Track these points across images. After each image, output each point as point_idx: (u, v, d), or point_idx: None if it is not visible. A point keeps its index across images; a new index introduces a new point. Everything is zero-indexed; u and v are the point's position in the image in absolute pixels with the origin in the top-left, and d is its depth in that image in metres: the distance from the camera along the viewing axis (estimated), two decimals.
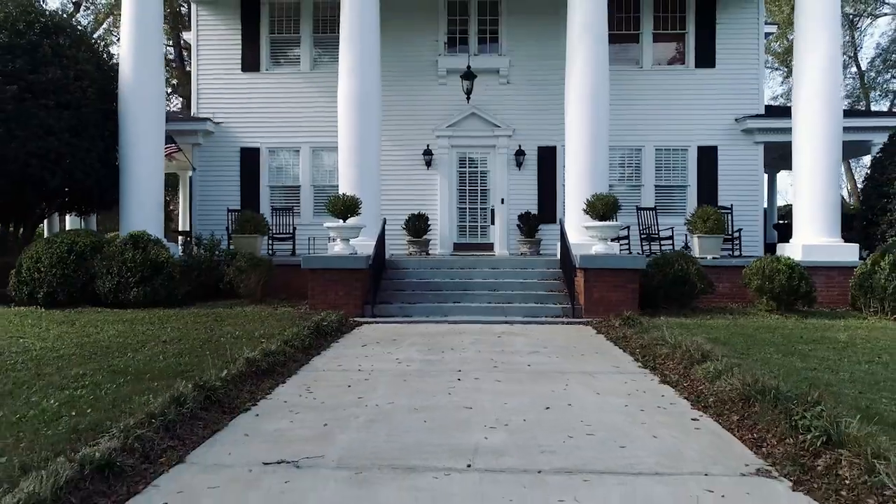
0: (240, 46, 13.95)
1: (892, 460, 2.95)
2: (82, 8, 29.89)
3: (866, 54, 30.25)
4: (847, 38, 28.83)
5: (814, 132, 10.52)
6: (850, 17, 26.63)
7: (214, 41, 14.01)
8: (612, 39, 13.26)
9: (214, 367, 5.08)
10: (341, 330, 7.84)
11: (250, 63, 13.96)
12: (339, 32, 11.05)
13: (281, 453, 3.50)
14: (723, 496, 2.95)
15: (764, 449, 3.58)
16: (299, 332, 6.75)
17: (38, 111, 9.88)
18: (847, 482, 3.00)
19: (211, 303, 9.75)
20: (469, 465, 3.33)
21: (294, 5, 13.97)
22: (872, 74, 29.68)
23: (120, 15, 27.89)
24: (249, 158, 13.85)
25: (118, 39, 28.59)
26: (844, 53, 30.24)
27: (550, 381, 5.27)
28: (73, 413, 4.06)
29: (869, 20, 27.21)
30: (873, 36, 53.76)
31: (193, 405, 4.07)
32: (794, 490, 3.03)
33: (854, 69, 30.12)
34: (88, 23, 29.78)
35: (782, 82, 32.81)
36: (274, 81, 13.93)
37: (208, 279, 10.21)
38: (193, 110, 13.98)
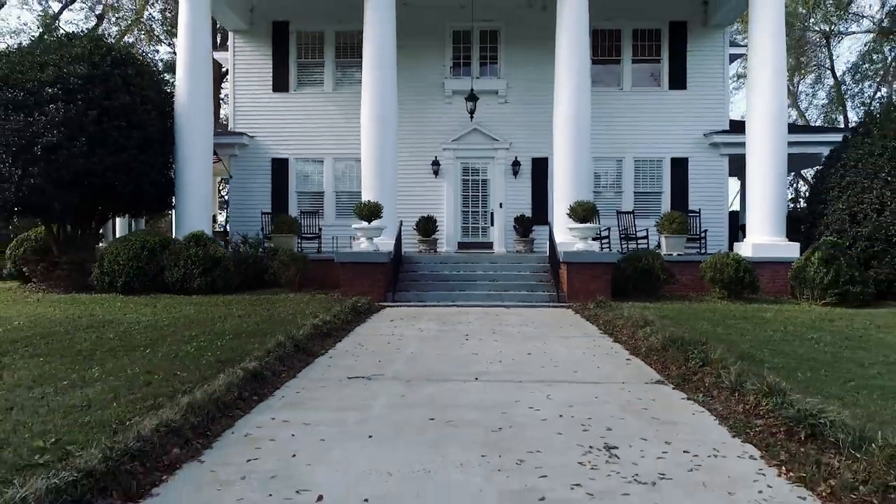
0: (271, 70, 15.93)
1: (731, 370, 4.91)
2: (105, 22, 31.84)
3: (844, 65, 32.11)
4: (824, 53, 30.84)
5: (762, 150, 12.49)
6: (825, 33, 28.55)
7: (249, 65, 15.99)
8: (596, 63, 15.32)
9: (289, 331, 7.04)
10: (371, 311, 9.80)
11: (280, 84, 15.94)
12: (356, 57, 13.00)
13: (356, 373, 5.48)
14: (629, 391, 4.92)
15: (665, 372, 5.54)
16: (342, 310, 8.72)
17: (112, 132, 11.83)
18: (705, 384, 4.96)
19: (258, 291, 11.71)
20: (476, 379, 5.30)
21: (318, 34, 15.94)
22: (849, 85, 31.61)
23: (142, 25, 29.62)
24: (279, 168, 15.82)
25: (161, 61, 30.56)
26: (821, 66, 32.26)
27: (534, 341, 7.24)
28: (208, 354, 6.02)
29: (841, 37, 29.13)
30: (851, 49, 55.62)
31: (289, 349, 6.04)
32: (673, 389, 5.00)
33: (831, 80, 32.08)
34: (114, 33, 31.78)
35: None
36: (301, 100, 15.91)
37: (254, 271, 12.17)
38: (230, 125, 15.95)
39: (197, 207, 12.89)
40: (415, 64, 15.38)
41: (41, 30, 30.82)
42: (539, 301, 11.12)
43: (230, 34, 16.07)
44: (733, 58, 17.06)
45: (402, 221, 13.10)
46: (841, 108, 32.14)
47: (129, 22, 31.99)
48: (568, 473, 3.21)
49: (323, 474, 3.19)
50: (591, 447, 3.60)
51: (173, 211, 14.67)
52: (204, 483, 3.10)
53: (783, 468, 3.30)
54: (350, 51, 15.74)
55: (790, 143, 14.00)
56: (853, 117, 32.59)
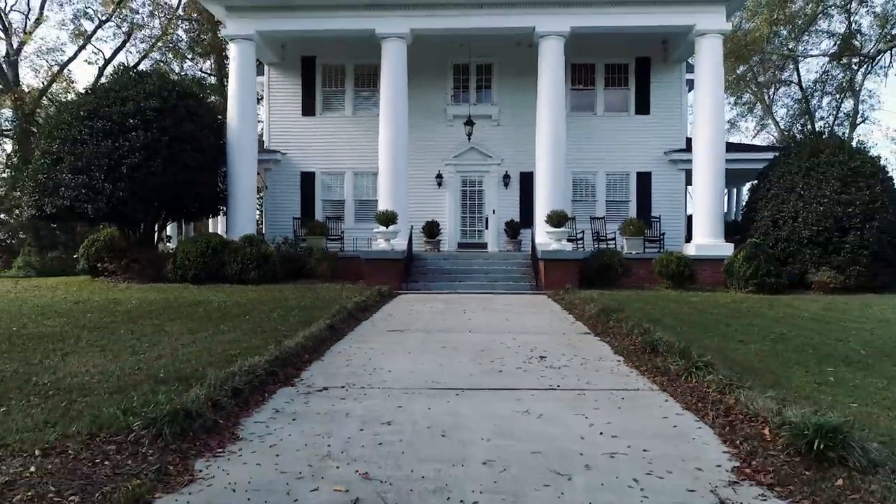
0: (300, 97, 18.86)
1: (626, 324, 7.82)
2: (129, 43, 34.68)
3: (808, 81, 34.92)
4: (791, 69, 33.77)
5: (705, 170, 15.43)
6: (786, 55, 31.46)
7: (281, 93, 18.92)
8: (574, 90, 18.28)
9: (340, 304, 9.95)
10: (391, 296, 12.71)
11: (308, 109, 18.87)
12: (372, 86, 15.91)
13: (392, 328, 8.41)
14: (565, 336, 7.85)
15: (593, 328, 8.47)
16: (372, 294, 11.64)
17: (180, 154, 14.74)
18: (612, 332, 7.88)
19: (299, 281, 14.60)
20: (470, 332, 8.24)
21: (340, 67, 18.88)
22: (817, 98, 34.53)
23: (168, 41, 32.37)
24: (307, 180, 18.75)
25: (187, 75, 33.38)
26: (790, 81, 35.17)
27: (512, 314, 10.16)
28: (290, 318, 8.93)
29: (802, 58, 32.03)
30: (818, 66, 58.08)
31: (344, 315, 8.96)
32: (593, 336, 7.93)
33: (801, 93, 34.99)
34: (141, 49, 34.70)
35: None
36: (325, 123, 18.84)
37: (294, 266, 15.08)
38: (266, 144, 18.86)
39: (245, 214, 15.83)
40: (422, 93, 18.28)
41: (76, 46, 33.76)
42: (522, 289, 14.04)
43: (266, 67, 18.98)
44: (694, 84, 19.97)
45: (412, 226, 16.02)
46: (809, 119, 35.10)
47: (155, 40, 34.84)
48: (516, 364, 6.14)
49: (387, 364, 6.12)
50: (531, 357, 6.53)
51: (219, 216, 17.61)
52: (329, 365, 6.03)
53: (631, 363, 6.22)
54: (367, 81, 18.67)
55: (735, 160, 16.93)
56: (821, 126, 35.60)
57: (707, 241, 15.42)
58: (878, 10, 26.91)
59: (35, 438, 3.66)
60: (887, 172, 15.07)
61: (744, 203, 18.98)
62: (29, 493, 2.92)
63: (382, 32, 15.58)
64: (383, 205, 15.47)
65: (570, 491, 3.12)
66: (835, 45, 28.58)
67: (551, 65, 15.62)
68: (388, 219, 14.52)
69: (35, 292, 13.40)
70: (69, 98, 36.40)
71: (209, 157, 15.58)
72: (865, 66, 31.20)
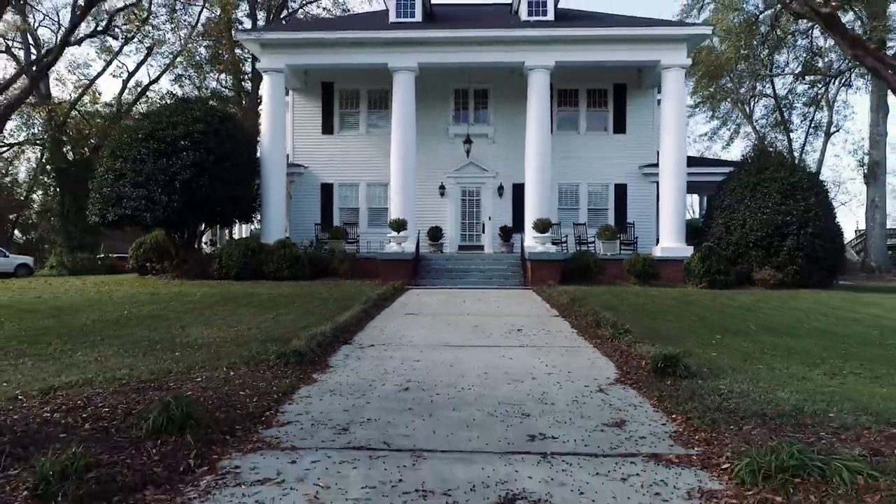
0: (320, 117, 21.52)
1: (586, 308, 10.47)
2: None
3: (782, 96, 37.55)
4: (767, 85, 36.40)
5: (669, 184, 18.10)
6: (757, 75, 34.09)
7: (304, 114, 21.58)
8: (560, 112, 20.94)
9: (367, 296, 12.60)
10: (403, 290, 15.36)
11: (327, 128, 21.53)
12: (383, 108, 18.57)
13: (409, 312, 11.07)
14: (539, 318, 10.52)
15: (561, 312, 11.12)
16: (388, 288, 14.29)
17: (223, 171, 17.39)
18: (575, 314, 10.54)
19: (324, 279, 17.22)
20: (468, 315, 10.91)
21: (355, 91, 21.54)
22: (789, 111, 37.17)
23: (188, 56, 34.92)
24: (326, 190, 21.41)
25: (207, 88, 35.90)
26: (766, 95, 37.77)
27: (501, 304, 12.83)
28: (329, 306, 11.58)
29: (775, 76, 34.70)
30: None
31: (371, 304, 11.62)
32: (561, 318, 10.60)
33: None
34: (162, 65, 37.25)
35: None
36: (342, 140, 21.50)
37: (318, 266, 17.72)
38: (290, 159, 21.50)
39: (276, 221, 18.51)
40: (427, 115, 20.91)
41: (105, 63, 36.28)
42: (512, 285, 16.70)
43: (290, 91, 21.63)
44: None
45: (419, 231, 18.67)
46: (785, 129, 37.75)
47: (175, 55, 37.42)
48: (500, 334, 8.80)
49: (409, 333, 8.78)
50: (511, 330, 9.19)
51: (244, 223, 20.25)
52: (369, 334, 8.69)
53: (580, 333, 8.87)
54: (378, 104, 21.33)
55: (699, 174, 19.58)
56: (796, 136, 38.28)
57: (671, 244, 18.08)
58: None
59: (216, 365, 6.30)
60: (823, 186, 17.77)
61: None
62: (237, 383, 5.57)
63: (394, 66, 18.24)
64: (395, 213, 18.13)
65: (522, 386, 5.78)
66: (799, 66, 31.25)
67: (539, 93, 18.29)
68: (399, 225, 17.18)
69: (104, 288, 16.06)
70: (96, 109, 39.20)
71: (245, 171, 18.25)
72: (836, 80, 33.79)
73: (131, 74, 38.66)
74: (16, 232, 51.26)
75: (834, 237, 17.36)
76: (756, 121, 39.34)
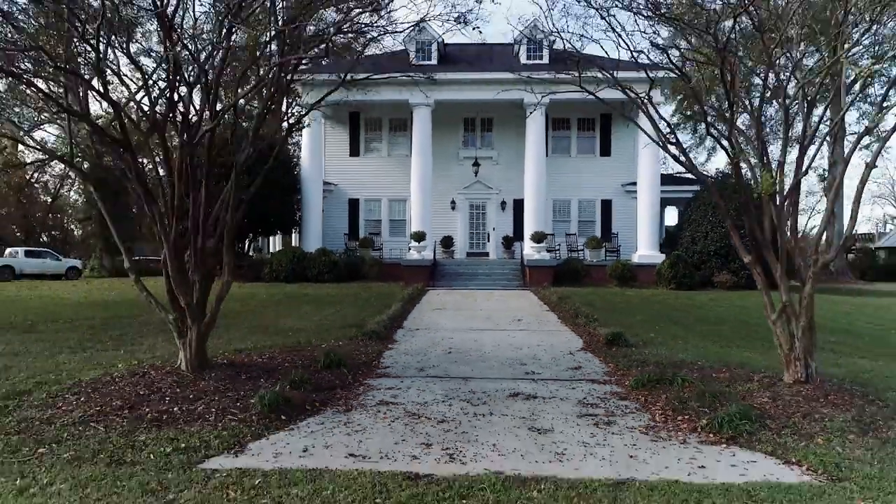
0: (348, 142, 24.97)
1: (570, 305, 13.92)
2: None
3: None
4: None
5: (645, 201, 21.55)
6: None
7: (334, 139, 25.04)
8: (554, 137, 24.39)
9: (400, 296, 16.02)
10: (425, 291, 18.79)
11: (354, 151, 24.98)
12: (403, 130, 21.99)
13: (435, 308, 14.53)
14: (533, 311, 13.99)
15: (552, 308, 14.58)
16: (414, 290, 17.72)
17: (273, 192, 20.80)
18: (562, 309, 13.99)
19: (357, 281, 20.65)
20: (480, 310, 14.37)
21: (378, 119, 25.01)
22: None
23: None
24: (353, 205, 24.86)
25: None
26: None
27: (504, 301, 16.28)
28: (372, 303, 15.02)
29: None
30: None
31: (406, 300, 15.06)
32: (550, 311, 14.06)
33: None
34: None
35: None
36: (367, 162, 24.95)
37: (351, 270, 21.16)
38: (323, 178, 24.94)
39: (314, 232, 21.98)
40: (440, 140, 24.35)
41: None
42: (513, 287, 20.14)
43: (322, 119, 25.05)
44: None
45: (435, 241, 22.13)
46: (759, 146, 41.08)
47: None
48: (505, 322, 12.26)
49: (441, 322, 12.23)
50: (513, 319, 12.64)
51: (293, 234, 23.71)
52: (412, 322, 12.15)
53: (563, 322, 12.32)
54: (398, 129, 24.78)
55: (674, 191, 22.99)
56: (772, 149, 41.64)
57: (646, 252, 21.54)
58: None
59: (325, 340, 9.73)
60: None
61: None
62: (348, 349, 9.00)
63: (414, 102, 21.70)
64: (415, 226, 21.58)
65: (520, 352, 9.22)
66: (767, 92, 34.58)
67: (535, 122, 21.73)
68: (419, 237, 20.64)
69: None
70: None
71: (286, 189, 21.71)
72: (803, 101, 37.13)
73: (162, 92, 42.01)
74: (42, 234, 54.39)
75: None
76: (733, 137, 42.59)
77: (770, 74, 6.91)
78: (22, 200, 44.82)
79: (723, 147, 7.24)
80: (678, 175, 26.47)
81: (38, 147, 11.60)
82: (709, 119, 7.61)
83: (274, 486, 4.08)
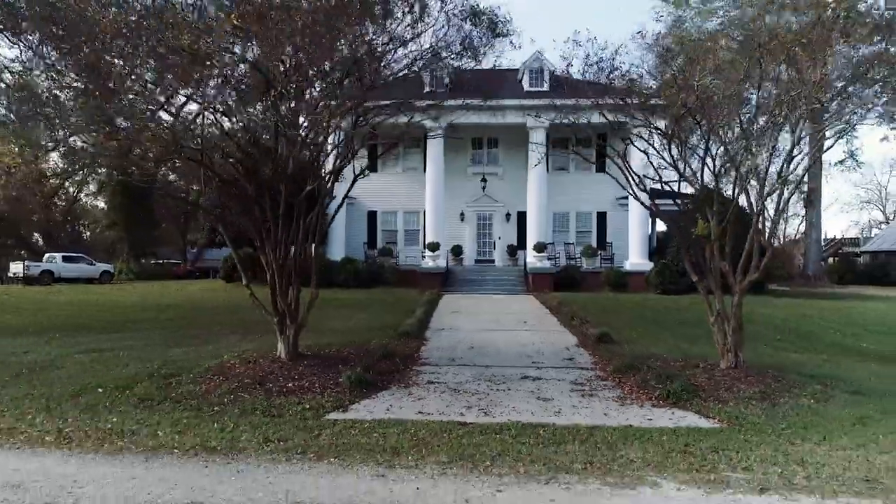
0: (366, 158, 27.36)
1: (567, 310, 16.35)
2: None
3: None
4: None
5: (636, 214, 23.99)
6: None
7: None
8: (554, 155, 26.83)
9: (422, 300, 18.45)
10: (440, 296, 21.20)
11: (372, 167, 27.32)
12: (416, 149, 24.41)
13: (452, 311, 16.98)
14: (536, 314, 16.44)
15: (552, 310, 17.02)
16: (430, 295, 20.15)
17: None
18: (561, 312, 16.42)
19: (379, 286, 23.06)
20: (489, 312, 16.83)
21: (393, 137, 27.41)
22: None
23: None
24: (372, 217, 27.31)
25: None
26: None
27: (509, 303, 18.72)
28: (398, 308, 17.45)
29: None
30: None
31: (426, 304, 17.50)
32: (551, 314, 16.50)
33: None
34: None
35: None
36: (384, 177, 27.39)
37: (372, 276, 23.59)
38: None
39: (339, 242, 24.44)
40: (451, 158, 26.76)
41: None
42: (517, 292, 22.57)
43: None
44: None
45: (447, 249, 24.58)
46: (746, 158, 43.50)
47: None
48: (511, 323, 14.71)
49: (459, 323, 14.67)
50: (518, 321, 15.09)
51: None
52: (435, 323, 14.60)
53: (561, 323, 14.76)
54: (411, 146, 27.19)
55: (664, 203, 25.47)
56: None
57: (637, 260, 23.99)
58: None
59: (369, 339, 12.16)
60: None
61: None
62: (392, 345, 11.45)
63: (429, 126, 24.09)
64: (429, 237, 24.02)
65: (527, 347, 11.65)
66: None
67: (537, 143, 24.13)
68: (434, 247, 23.09)
69: (222, 294, 21.93)
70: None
71: (312, 201, 24.12)
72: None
73: (181, 107, 44.43)
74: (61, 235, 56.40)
75: (762, 253, 23.21)
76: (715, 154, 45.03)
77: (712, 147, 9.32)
78: (52, 207, 47.22)
79: (673, 200, 9.64)
80: (666, 191, 28.85)
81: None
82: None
83: (377, 427, 6.53)
